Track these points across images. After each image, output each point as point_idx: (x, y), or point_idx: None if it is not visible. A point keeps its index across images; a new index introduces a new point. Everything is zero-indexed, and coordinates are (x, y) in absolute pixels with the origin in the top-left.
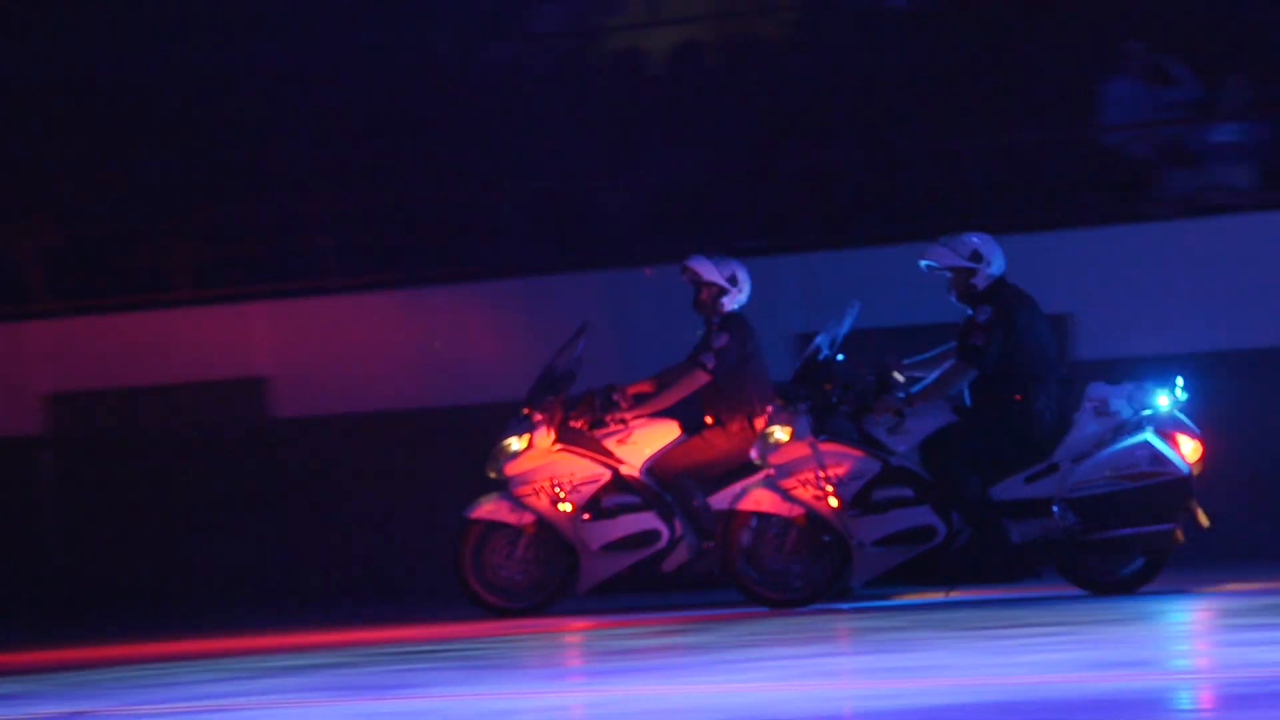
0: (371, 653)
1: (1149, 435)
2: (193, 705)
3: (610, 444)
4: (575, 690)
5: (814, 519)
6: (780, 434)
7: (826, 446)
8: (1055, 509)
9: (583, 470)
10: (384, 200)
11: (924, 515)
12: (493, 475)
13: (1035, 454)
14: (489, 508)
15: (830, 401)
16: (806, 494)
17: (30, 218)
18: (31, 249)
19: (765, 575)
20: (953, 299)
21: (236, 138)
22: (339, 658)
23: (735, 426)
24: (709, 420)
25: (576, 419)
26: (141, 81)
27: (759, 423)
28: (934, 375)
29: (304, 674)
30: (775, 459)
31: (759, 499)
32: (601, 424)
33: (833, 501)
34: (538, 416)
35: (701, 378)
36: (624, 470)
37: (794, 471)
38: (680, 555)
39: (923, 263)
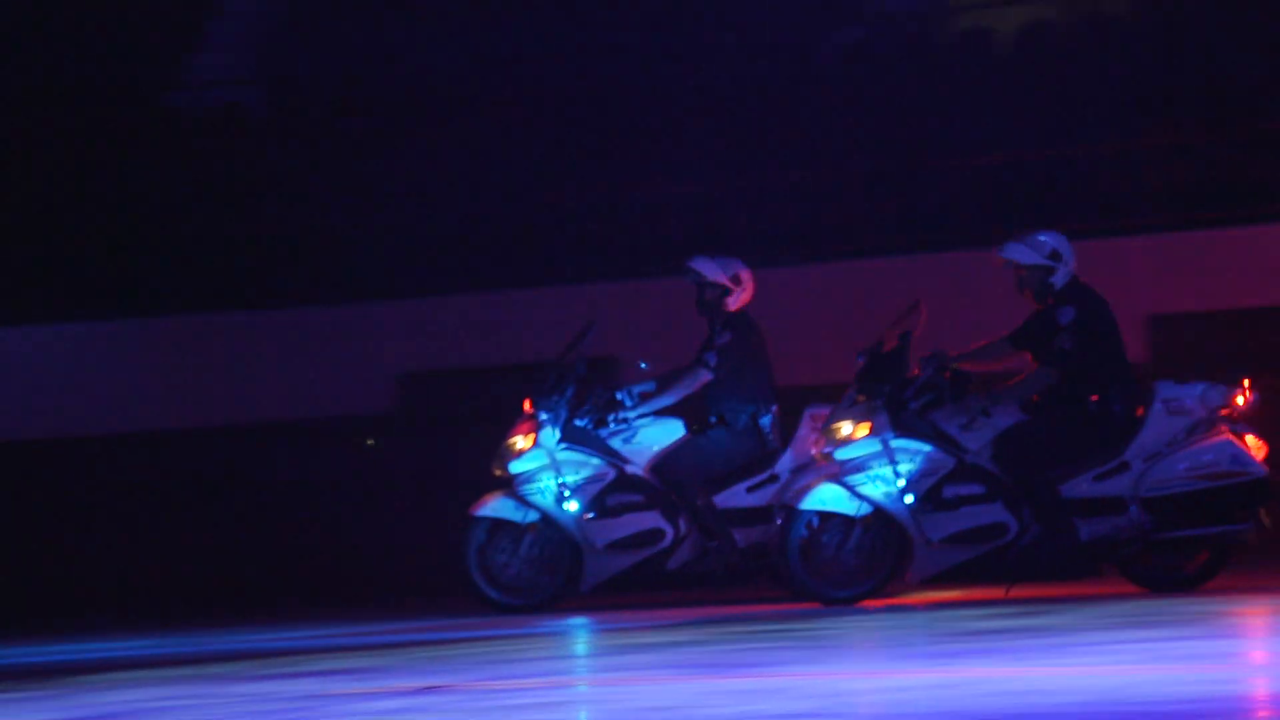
0: (715, 631)
1: (1228, 435)
2: (542, 681)
3: (615, 442)
4: (923, 670)
5: (881, 516)
6: (848, 428)
7: (900, 442)
8: (1132, 508)
9: (588, 469)
10: (743, 185)
11: (996, 512)
12: (498, 473)
13: (1106, 452)
14: (494, 505)
15: (904, 396)
16: (876, 491)
17: (385, 201)
18: (413, 231)
19: (820, 573)
20: (1024, 297)
21: (587, 123)
22: (683, 636)
23: (740, 425)
24: (713, 419)
25: (581, 417)
26: (503, 66)
27: (764, 421)
28: (1021, 377)
29: (649, 651)
30: (843, 455)
31: (825, 496)
32: (605, 422)
33: (907, 498)
34: (543, 415)
35: (704, 376)
36: (629, 469)
37: (864, 467)
38: (684, 554)
39: (1000, 259)
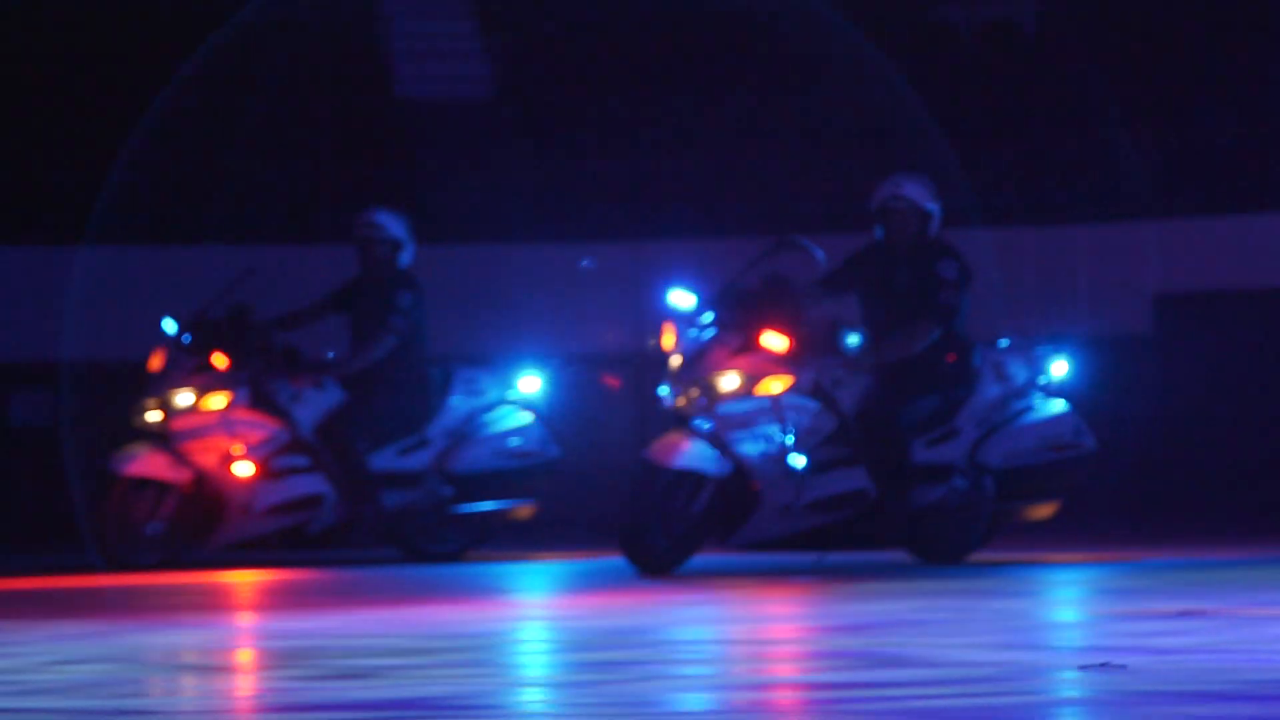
0: None
1: (1066, 405)
2: None
3: (283, 402)
4: None
5: (742, 475)
6: (732, 381)
7: (790, 398)
8: (984, 478)
9: (261, 430)
10: None
11: (860, 478)
12: (144, 425)
13: (941, 417)
14: (143, 463)
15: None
16: (754, 449)
17: (1143, 121)
18: (1145, 151)
19: (658, 533)
20: (886, 239)
21: None
22: None
23: (402, 387)
24: (373, 379)
25: (243, 370)
26: None
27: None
28: (904, 334)
29: None
30: (728, 410)
31: (696, 454)
32: (278, 379)
33: (795, 458)
34: (215, 368)
35: (392, 342)
36: (299, 432)
37: (749, 424)
38: (328, 517)
39: (888, 193)
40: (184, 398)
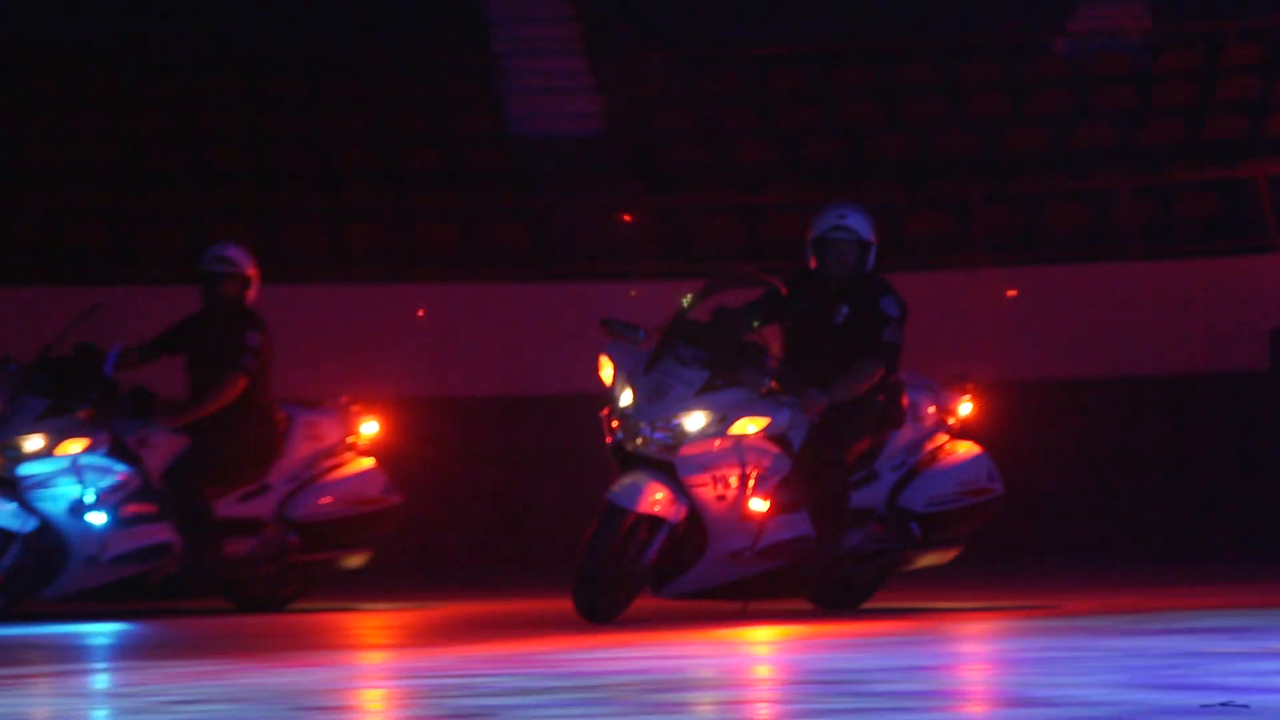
0: None
1: (980, 449)
2: None
3: (133, 446)
4: None
5: (696, 522)
6: (699, 420)
7: (750, 440)
8: (913, 523)
9: (114, 476)
10: None
11: (804, 523)
12: None
13: (863, 460)
14: None
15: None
16: (709, 493)
17: (1253, 153)
18: (1258, 183)
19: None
20: (823, 270)
21: None
22: None
23: (247, 431)
24: (217, 423)
25: (100, 414)
26: None
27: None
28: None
29: None
30: (687, 450)
31: (656, 499)
32: (127, 422)
33: (756, 503)
34: (66, 412)
35: (243, 382)
36: (147, 478)
37: (709, 466)
38: (172, 565)
39: (831, 222)
40: (33, 443)
